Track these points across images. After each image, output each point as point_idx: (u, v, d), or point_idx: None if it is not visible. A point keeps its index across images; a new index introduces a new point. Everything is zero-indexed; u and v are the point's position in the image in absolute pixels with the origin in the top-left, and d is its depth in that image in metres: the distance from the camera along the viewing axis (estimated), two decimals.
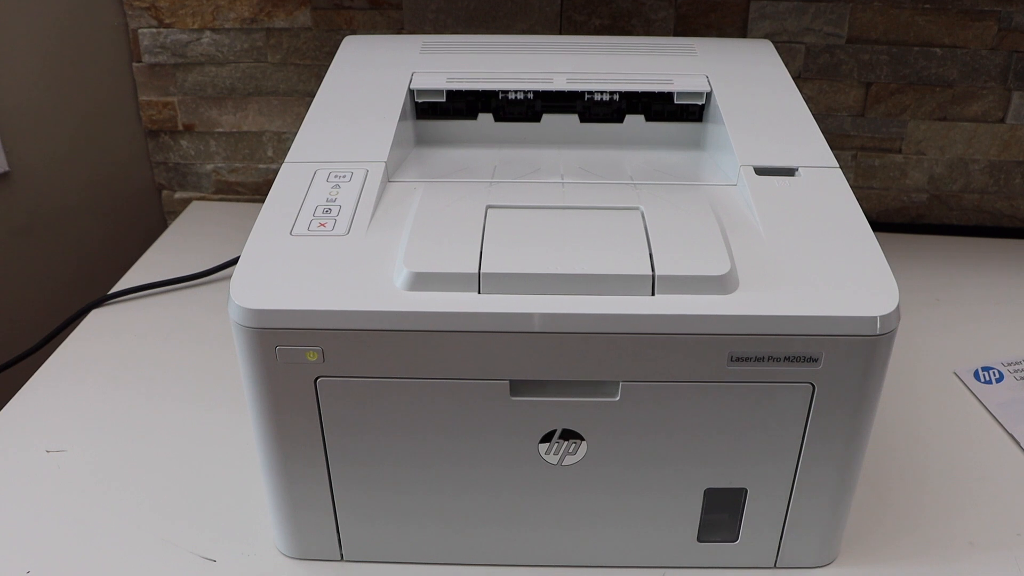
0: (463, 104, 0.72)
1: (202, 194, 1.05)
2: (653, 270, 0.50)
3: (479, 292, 0.50)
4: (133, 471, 0.66)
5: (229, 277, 0.90)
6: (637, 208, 0.56)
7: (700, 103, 0.71)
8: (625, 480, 0.56)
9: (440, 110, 0.72)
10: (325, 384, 0.51)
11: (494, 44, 0.78)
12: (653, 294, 0.50)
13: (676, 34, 0.94)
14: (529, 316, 0.49)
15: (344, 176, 0.59)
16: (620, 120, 0.73)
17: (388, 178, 0.60)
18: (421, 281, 0.50)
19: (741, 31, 0.94)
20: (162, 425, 0.70)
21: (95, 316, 0.83)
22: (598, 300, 0.50)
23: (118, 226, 1.04)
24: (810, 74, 0.96)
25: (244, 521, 0.62)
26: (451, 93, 0.71)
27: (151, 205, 1.06)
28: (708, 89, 0.70)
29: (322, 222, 0.55)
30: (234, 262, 0.88)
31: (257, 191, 1.04)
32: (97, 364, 0.77)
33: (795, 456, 0.55)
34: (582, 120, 0.73)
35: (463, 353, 0.50)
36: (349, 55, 0.77)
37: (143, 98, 1.00)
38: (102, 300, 0.84)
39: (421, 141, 0.71)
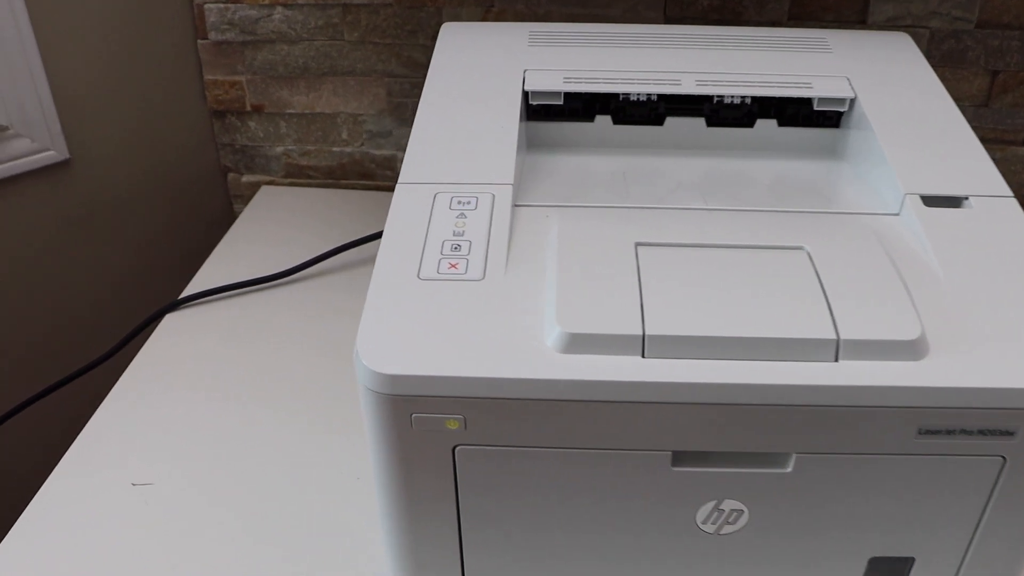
0: (579, 104, 0.66)
1: (271, 178, 0.99)
2: (837, 333, 0.44)
3: (643, 356, 0.44)
4: (227, 505, 0.61)
5: (311, 277, 0.86)
6: (802, 248, 0.50)
7: (843, 110, 0.64)
8: (786, 549, 0.50)
9: (553, 111, 0.66)
10: (464, 452, 0.46)
11: (607, 35, 0.71)
12: (836, 360, 0.44)
13: (791, 17, 0.86)
14: (700, 386, 0.43)
15: (468, 203, 0.53)
16: (750, 125, 0.66)
17: (515, 200, 0.54)
18: (577, 343, 0.44)
19: (861, 14, 0.86)
20: (256, 448, 0.66)
21: (170, 321, 0.78)
22: (775, 367, 0.44)
23: (183, 212, 0.99)
24: (932, 60, 0.88)
25: (356, 564, 0.58)
26: (568, 94, 0.64)
27: (217, 189, 1.00)
28: (852, 95, 0.63)
29: (452, 262, 0.49)
30: (316, 261, 0.82)
31: (330, 175, 0.98)
32: (177, 378, 0.72)
33: (972, 526, 0.50)
34: (709, 124, 0.66)
35: (622, 422, 0.45)
36: (450, 48, 0.70)
37: (209, 77, 0.93)
38: (177, 304, 0.79)
39: (532, 144, 0.65)
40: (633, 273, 0.47)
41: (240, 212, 0.99)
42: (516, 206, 0.54)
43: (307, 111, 0.94)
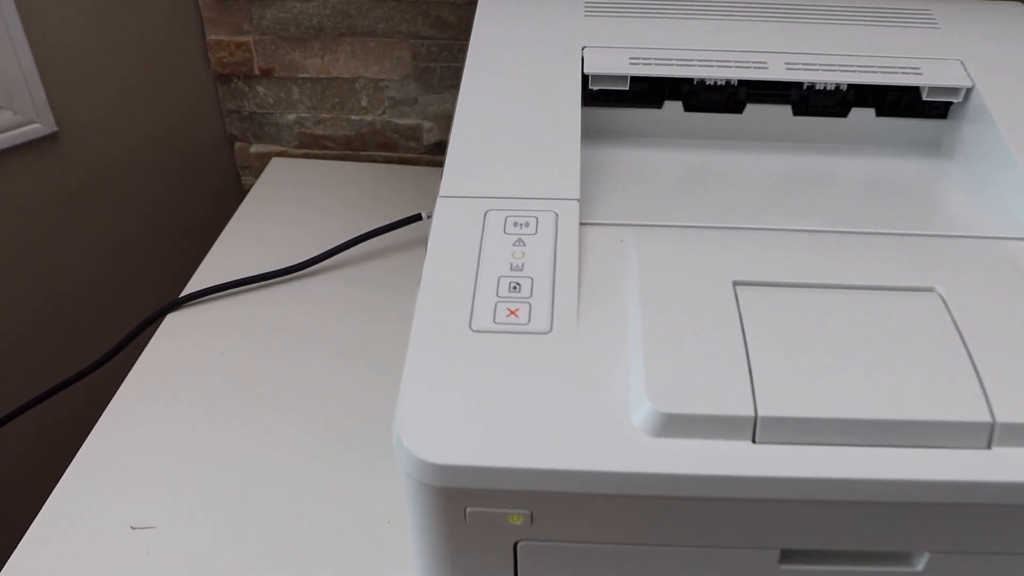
0: (645, 88, 0.56)
1: (282, 148, 0.90)
2: (992, 415, 0.36)
3: (754, 441, 0.36)
4: (240, 552, 0.54)
5: (332, 269, 0.77)
6: (932, 289, 0.41)
7: (956, 100, 0.55)
8: None
9: (615, 95, 0.56)
10: (529, 548, 0.38)
11: (676, 3, 0.61)
12: (989, 447, 0.36)
13: None
14: (822, 480, 0.35)
15: (527, 224, 0.44)
16: (843, 114, 0.57)
17: (581, 218, 0.45)
18: (673, 425, 0.35)
19: None
20: (274, 480, 0.58)
21: (173, 322, 0.70)
22: (914, 456, 0.36)
23: (186, 185, 0.90)
24: None
25: None
26: (635, 78, 0.55)
27: (223, 160, 0.91)
28: (969, 83, 0.54)
29: (512, 308, 0.40)
30: (339, 250, 0.74)
31: (348, 145, 0.89)
32: (181, 392, 0.64)
33: None
34: (796, 113, 0.57)
35: (724, 519, 0.36)
36: (492, 18, 0.60)
37: (212, 38, 0.83)
38: (180, 302, 0.71)
39: (589, 132, 0.55)
40: (735, 326, 0.38)
41: (249, 185, 0.90)
42: (583, 224, 0.45)
43: (322, 75, 0.84)
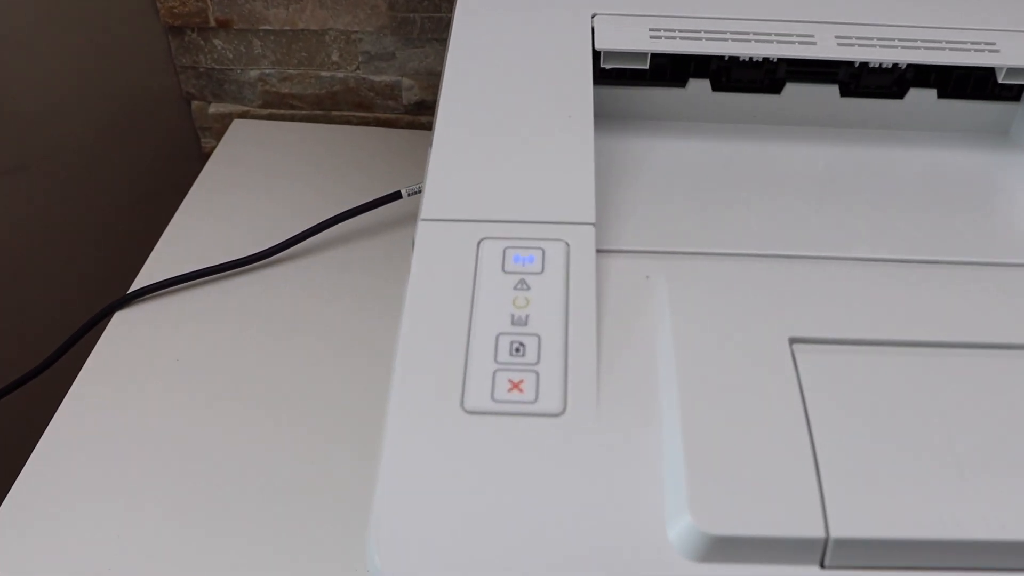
0: (667, 62, 0.47)
1: (245, 107, 0.80)
2: None
3: (822, 566, 0.28)
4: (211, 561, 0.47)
5: (300, 255, 0.68)
6: None
7: None
8: None
9: (631, 72, 0.47)
10: None
11: None
12: None
13: None
14: None
15: (530, 260, 0.36)
16: (900, 96, 0.48)
17: (598, 244, 0.37)
18: (722, 548, 0.28)
19: None
20: (258, 490, 0.50)
21: (121, 320, 0.61)
22: None
23: (139, 152, 0.80)
24: None
25: None
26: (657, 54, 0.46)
27: (179, 120, 0.81)
28: None
29: (514, 379, 0.32)
30: (308, 235, 0.65)
31: (318, 105, 0.79)
32: (134, 403, 0.56)
33: None
34: (844, 94, 0.48)
35: None
36: None
37: None
38: (127, 299, 0.62)
39: (600, 115, 0.46)
40: (796, 408, 0.31)
41: (210, 148, 0.81)
42: (600, 252, 0.37)
43: (287, 27, 0.74)
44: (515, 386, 0.32)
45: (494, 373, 0.32)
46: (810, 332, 0.33)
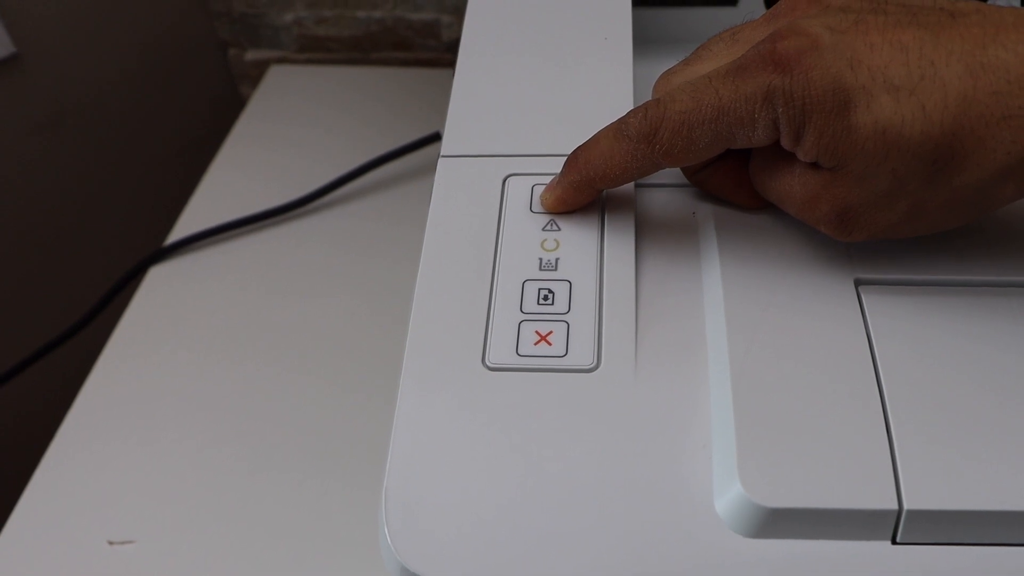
0: None
1: (282, 53, 0.77)
2: None
3: (894, 541, 0.24)
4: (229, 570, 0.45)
5: (339, 202, 0.65)
6: None
7: None
8: None
9: None
10: None
11: None
12: None
13: None
14: None
15: None
16: None
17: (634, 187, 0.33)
18: (778, 522, 0.24)
19: None
20: (276, 497, 0.49)
21: (158, 275, 0.60)
22: None
23: (175, 102, 0.78)
24: None
25: None
26: None
27: (216, 68, 0.79)
28: None
29: (542, 331, 0.29)
30: (346, 180, 0.62)
31: (356, 47, 0.76)
32: (166, 378, 0.54)
33: None
34: None
35: None
36: None
37: None
38: (164, 252, 0.60)
39: (639, 41, 0.42)
40: (864, 360, 0.27)
41: (247, 96, 0.78)
42: (639, 186, 0.33)
43: None
44: (543, 338, 0.28)
45: (519, 324, 0.29)
46: (880, 273, 0.29)
